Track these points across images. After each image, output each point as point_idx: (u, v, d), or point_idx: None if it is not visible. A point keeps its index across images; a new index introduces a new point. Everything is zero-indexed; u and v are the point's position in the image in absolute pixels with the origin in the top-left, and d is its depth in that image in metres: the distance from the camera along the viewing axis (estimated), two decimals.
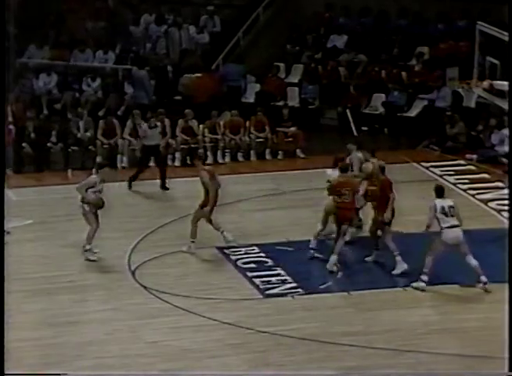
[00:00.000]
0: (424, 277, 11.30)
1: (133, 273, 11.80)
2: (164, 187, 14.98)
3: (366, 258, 12.01)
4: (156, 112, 16.80)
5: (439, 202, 11.31)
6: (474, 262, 11.29)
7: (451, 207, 11.33)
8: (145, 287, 11.45)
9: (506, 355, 8.37)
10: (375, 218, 11.89)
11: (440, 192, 11.45)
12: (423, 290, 11.26)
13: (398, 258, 11.66)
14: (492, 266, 11.31)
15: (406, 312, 10.85)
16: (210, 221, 12.46)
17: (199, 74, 18.60)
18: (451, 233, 11.19)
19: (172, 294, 11.21)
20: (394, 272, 11.67)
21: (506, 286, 10.97)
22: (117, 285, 11.57)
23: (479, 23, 14.37)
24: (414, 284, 11.35)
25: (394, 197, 11.69)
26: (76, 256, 12.35)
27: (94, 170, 12.93)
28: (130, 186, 15.10)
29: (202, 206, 12.42)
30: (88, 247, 12.12)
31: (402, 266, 11.67)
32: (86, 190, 12.08)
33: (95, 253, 12.15)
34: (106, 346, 10.10)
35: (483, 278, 11.30)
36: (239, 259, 12.25)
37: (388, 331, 10.37)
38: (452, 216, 11.24)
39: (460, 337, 10.29)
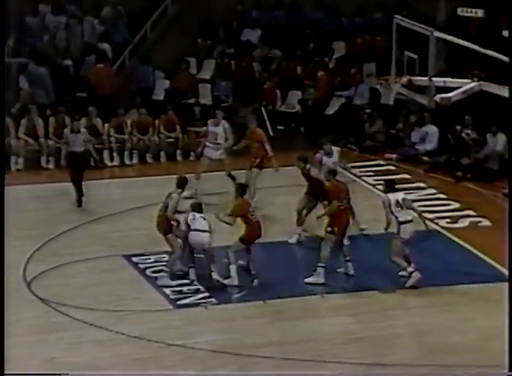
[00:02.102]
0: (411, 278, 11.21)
1: (29, 285, 11.46)
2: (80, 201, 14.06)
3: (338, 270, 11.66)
4: (56, 110, 16.37)
5: (393, 196, 11.33)
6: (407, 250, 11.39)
7: (404, 199, 11.40)
8: (42, 300, 11.12)
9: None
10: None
11: (392, 185, 11.47)
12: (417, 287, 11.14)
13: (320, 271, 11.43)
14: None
15: (324, 320, 10.81)
16: None
17: (100, 65, 18.21)
18: (409, 228, 11.25)
19: (73, 306, 10.90)
20: (307, 279, 11.47)
21: (432, 290, 11.14)
22: (10, 297, 11.08)
23: (396, 16, 14.45)
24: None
25: (339, 203, 11.43)
26: None
27: None
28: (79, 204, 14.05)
29: None
30: None
31: (318, 279, 11.47)
32: None
33: None
34: None
35: (410, 268, 11.32)
36: (148, 268, 12.01)
37: (305, 341, 10.28)
38: (407, 209, 11.29)
39: (380, 345, 10.26)
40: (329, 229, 11.50)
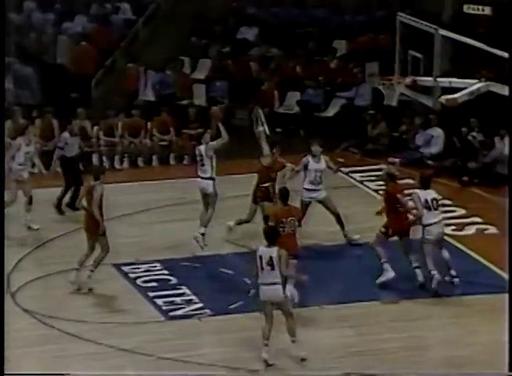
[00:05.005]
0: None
1: (13, 295, 11.53)
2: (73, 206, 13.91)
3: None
4: (43, 111, 16.48)
5: (423, 194, 11.41)
6: (447, 254, 11.54)
7: (434, 199, 11.46)
8: (27, 311, 11.22)
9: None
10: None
11: (426, 182, 11.53)
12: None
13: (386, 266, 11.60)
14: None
15: (322, 333, 10.87)
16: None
17: (84, 43, 18.34)
18: (435, 229, 11.34)
19: (60, 318, 11.00)
20: (378, 281, 11.63)
21: (436, 301, 11.22)
22: None
23: (400, 14, 14.60)
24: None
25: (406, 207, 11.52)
26: None
27: None
28: (60, 211, 14.03)
29: None
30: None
31: (388, 274, 11.61)
32: None
33: None
34: None
35: (453, 272, 11.52)
36: (138, 277, 12.14)
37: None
38: (436, 210, 11.37)
39: (379, 358, 10.30)
40: (383, 229, 11.62)
